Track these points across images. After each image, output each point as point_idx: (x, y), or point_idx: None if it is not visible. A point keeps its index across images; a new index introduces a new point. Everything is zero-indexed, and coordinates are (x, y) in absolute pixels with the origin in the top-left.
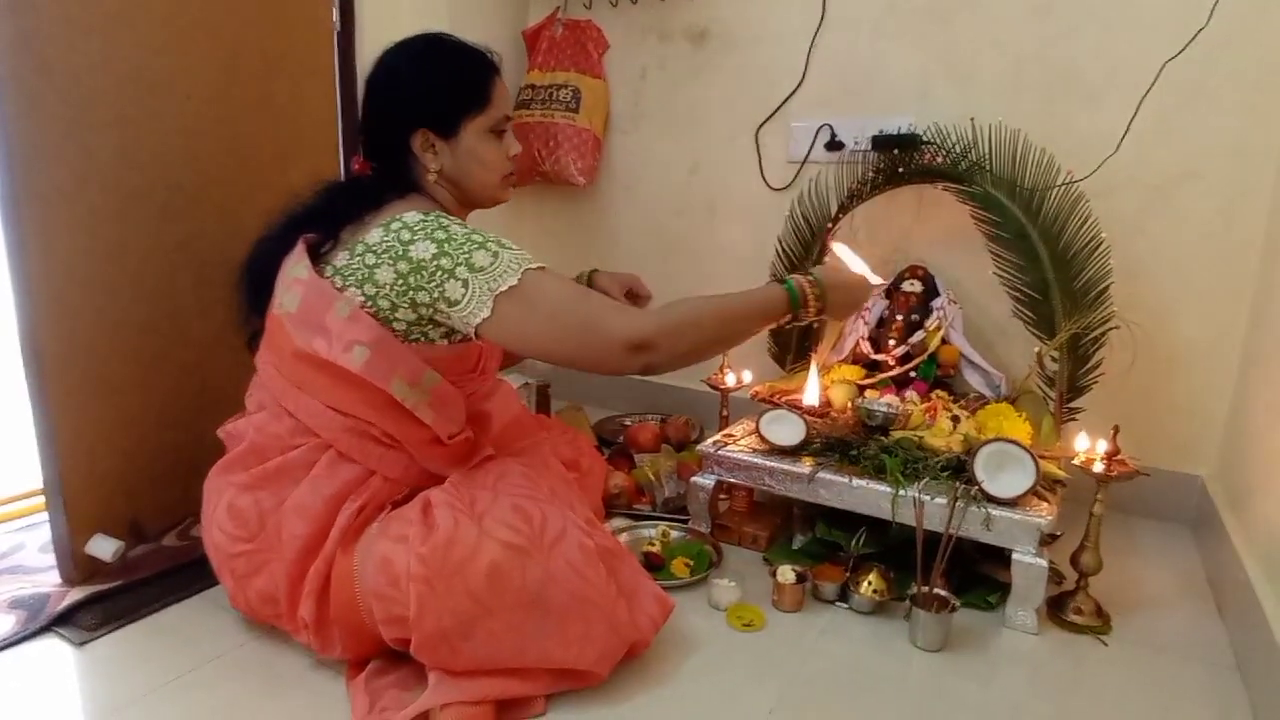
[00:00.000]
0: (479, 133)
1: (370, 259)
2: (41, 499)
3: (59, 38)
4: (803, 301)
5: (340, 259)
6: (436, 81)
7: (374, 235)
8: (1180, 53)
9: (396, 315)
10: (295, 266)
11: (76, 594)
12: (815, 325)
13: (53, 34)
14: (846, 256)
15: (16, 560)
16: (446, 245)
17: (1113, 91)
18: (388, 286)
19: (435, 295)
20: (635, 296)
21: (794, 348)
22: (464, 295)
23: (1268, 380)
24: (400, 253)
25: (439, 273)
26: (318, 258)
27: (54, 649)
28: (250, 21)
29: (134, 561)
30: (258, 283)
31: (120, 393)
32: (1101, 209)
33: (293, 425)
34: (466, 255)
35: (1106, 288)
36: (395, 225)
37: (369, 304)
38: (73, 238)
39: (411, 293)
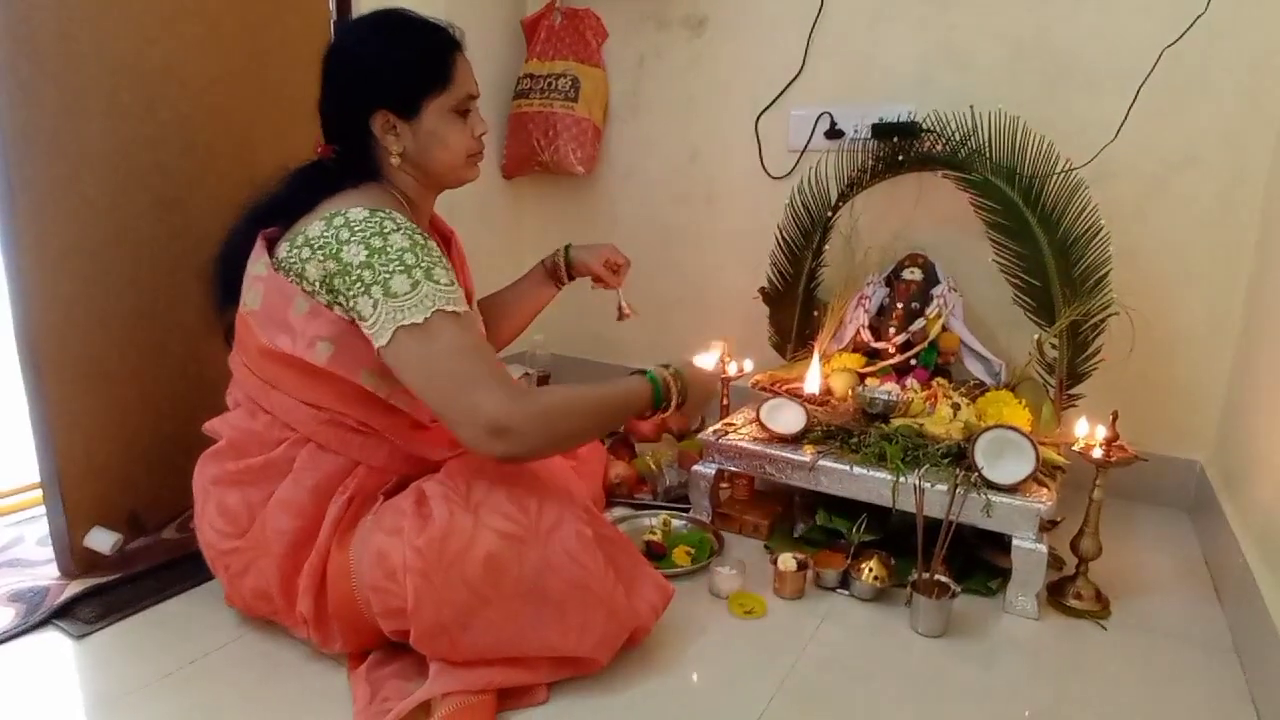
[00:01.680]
0: (441, 113)
1: (305, 253)
2: (39, 492)
3: (52, 26)
4: (665, 396)
5: (281, 250)
6: (395, 60)
7: (315, 228)
8: (1179, 39)
9: (335, 312)
10: (255, 264)
11: (75, 587)
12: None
13: (46, 23)
14: (701, 359)
15: (15, 553)
16: (375, 257)
17: (1111, 78)
18: (318, 283)
19: (350, 304)
20: (615, 267)
21: (794, 337)
22: (371, 315)
23: (1264, 366)
24: (333, 250)
25: (358, 283)
26: (274, 252)
27: (53, 642)
28: (245, 9)
29: (133, 554)
30: (227, 277)
31: (117, 384)
32: (1100, 196)
33: (269, 421)
34: (387, 276)
35: (1106, 274)
36: (337, 221)
37: (314, 298)
38: (67, 228)
39: (333, 294)
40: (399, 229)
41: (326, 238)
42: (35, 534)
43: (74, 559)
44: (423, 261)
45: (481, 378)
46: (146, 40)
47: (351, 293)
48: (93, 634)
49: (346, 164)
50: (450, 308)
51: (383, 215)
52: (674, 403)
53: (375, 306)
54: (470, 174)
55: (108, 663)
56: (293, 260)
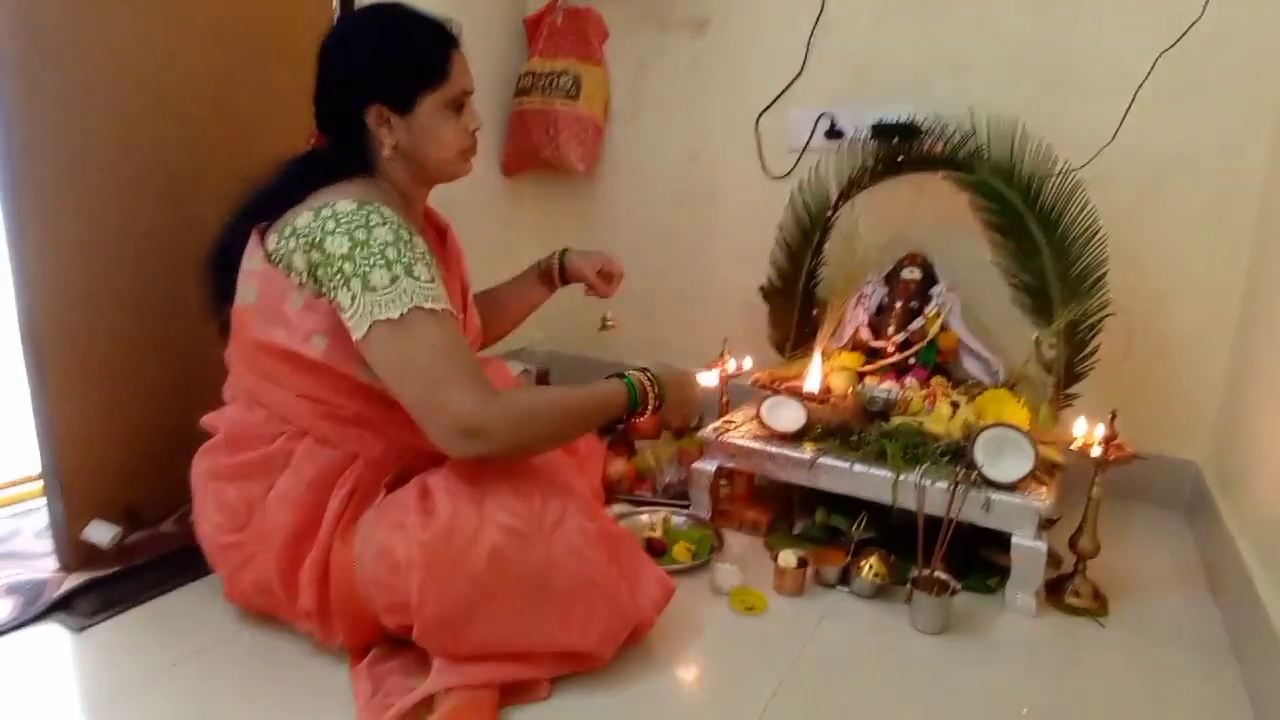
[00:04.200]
0: (436, 108)
1: (292, 243)
2: (38, 484)
3: (59, 21)
4: (642, 400)
5: (271, 242)
6: (393, 54)
7: (303, 219)
8: (1174, 44)
9: (323, 301)
10: (250, 258)
11: (74, 580)
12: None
13: (53, 17)
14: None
15: (13, 546)
16: (358, 250)
17: (1108, 82)
18: (304, 273)
19: (331, 295)
20: (609, 276)
21: (794, 335)
22: (349, 307)
23: (1259, 366)
24: (316, 240)
25: (339, 275)
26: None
27: (52, 635)
28: (250, 8)
29: (131, 547)
30: (221, 272)
31: (118, 378)
32: (1098, 197)
33: (266, 415)
34: (368, 269)
35: (1103, 275)
36: (325, 212)
37: (304, 289)
38: (71, 222)
39: (317, 284)
40: (385, 223)
41: (313, 228)
42: (33, 526)
43: (73, 552)
44: (404, 257)
45: (454, 377)
46: (152, 34)
47: (332, 284)
48: (91, 627)
49: (339, 155)
50: (429, 305)
51: (370, 208)
52: (650, 406)
53: (354, 299)
54: (462, 169)
55: (106, 656)
56: (281, 250)
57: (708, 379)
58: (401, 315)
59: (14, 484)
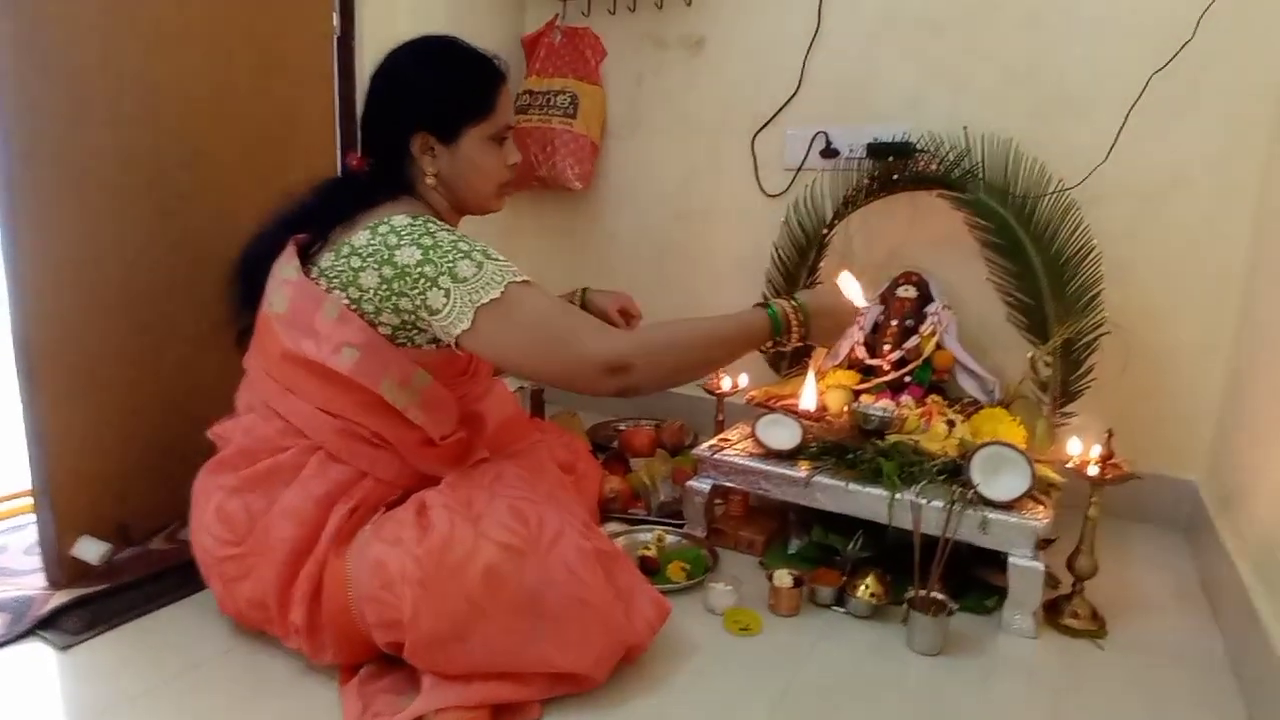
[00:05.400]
0: (479, 140)
1: (355, 262)
2: (25, 500)
3: (58, 37)
4: (786, 328)
5: (325, 260)
6: (442, 86)
7: (360, 238)
8: (1167, 64)
9: (381, 319)
10: (285, 267)
11: (61, 597)
12: (805, 349)
13: (52, 33)
14: (848, 285)
15: (0, 562)
16: (432, 252)
17: (1101, 102)
18: (371, 291)
19: (418, 302)
20: (628, 315)
21: (789, 353)
22: (445, 305)
23: (1256, 384)
24: (385, 257)
25: (422, 280)
26: (307, 259)
27: (37, 653)
28: (250, 24)
29: (120, 564)
30: (250, 278)
31: (111, 393)
32: (1092, 216)
33: (282, 427)
34: (451, 264)
35: (1098, 293)
36: (382, 229)
37: (354, 307)
38: (68, 237)
39: (395, 298)
40: (441, 228)
41: (374, 245)
42: (21, 543)
43: (61, 569)
44: (476, 247)
45: (578, 328)
46: (152, 53)
47: (417, 290)
48: (77, 645)
49: (380, 178)
50: (520, 278)
51: (425, 219)
52: (795, 335)
53: (448, 294)
54: (497, 204)
55: (92, 675)
56: (340, 269)
57: (852, 290)
58: (502, 294)
59: (3, 499)
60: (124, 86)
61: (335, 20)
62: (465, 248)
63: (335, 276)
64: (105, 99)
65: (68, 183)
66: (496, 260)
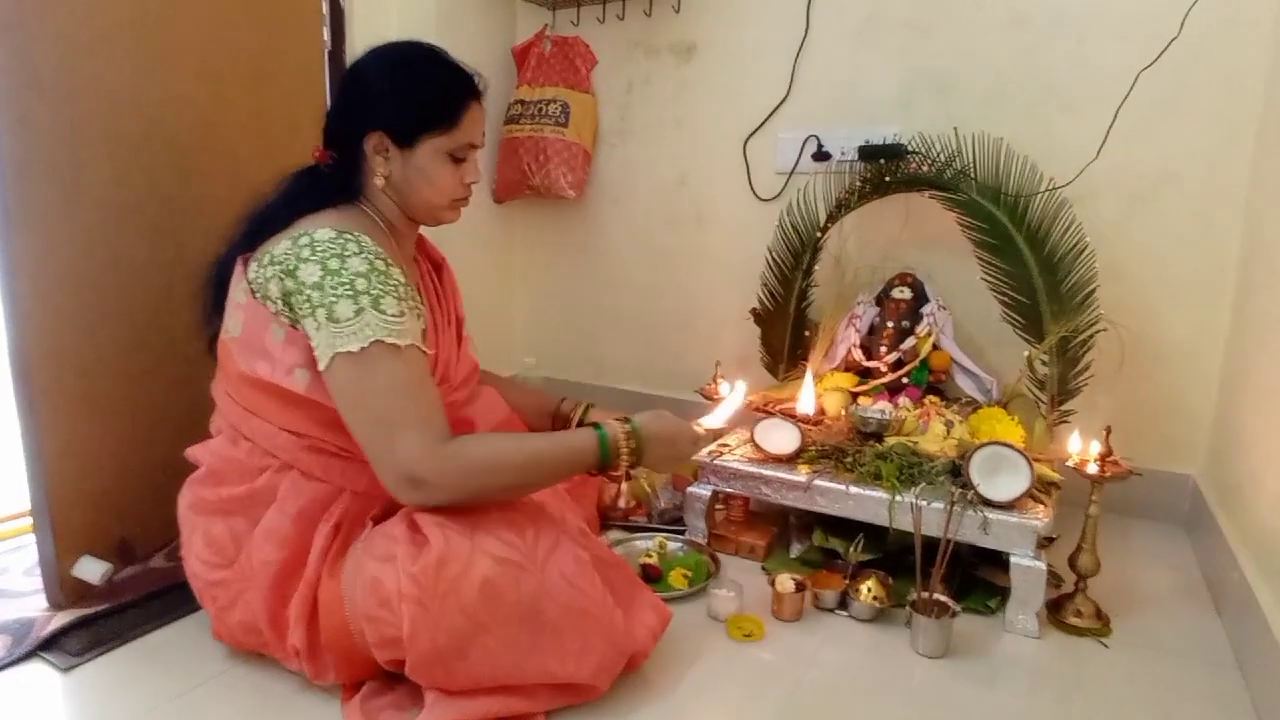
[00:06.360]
0: (436, 152)
1: (269, 270)
2: (26, 521)
3: (51, 55)
4: (614, 454)
5: (251, 270)
6: (408, 88)
7: (281, 247)
8: (1154, 62)
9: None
10: (236, 289)
11: (63, 618)
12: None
13: (45, 51)
14: (728, 403)
15: (1, 584)
16: (326, 279)
17: (1090, 100)
18: (278, 301)
19: (300, 324)
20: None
21: (786, 357)
22: (314, 338)
23: (1251, 378)
24: (290, 268)
25: (307, 303)
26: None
27: (39, 674)
28: (242, 39)
29: (121, 584)
30: (216, 300)
31: (109, 411)
32: (1084, 214)
33: (250, 448)
34: (334, 300)
35: (1092, 291)
36: (302, 240)
37: (295, 324)
38: (64, 254)
39: (290, 311)
40: (361, 253)
41: (288, 255)
42: (22, 564)
43: (62, 589)
44: (373, 289)
45: (406, 420)
46: (143, 70)
47: (301, 312)
48: (79, 666)
49: (332, 177)
50: (391, 340)
51: (349, 237)
52: (624, 462)
53: (318, 329)
54: (449, 217)
55: (95, 696)
56: (258, 279)
57: (713, 420)
58: (362, 349)
59: (2, 520)
60: (117, 104)
61: (326, 34)
62: (361, 287)
63: (259, 287)
64: (98, 120)
65: (63, 201)
66: (382, 313)
